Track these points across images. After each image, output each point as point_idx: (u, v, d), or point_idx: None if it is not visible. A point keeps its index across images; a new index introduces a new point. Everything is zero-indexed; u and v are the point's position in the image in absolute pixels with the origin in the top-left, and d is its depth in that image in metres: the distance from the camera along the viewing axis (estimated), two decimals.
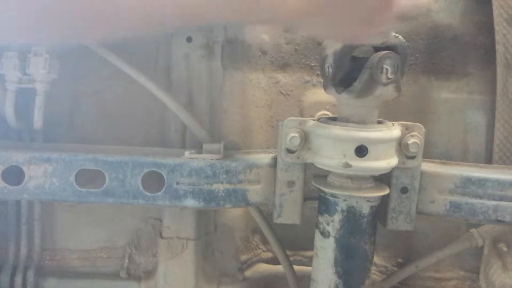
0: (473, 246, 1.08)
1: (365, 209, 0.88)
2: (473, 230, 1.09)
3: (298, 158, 0.91)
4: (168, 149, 1.11)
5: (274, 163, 0.97)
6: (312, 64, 1.16)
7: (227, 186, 0.97)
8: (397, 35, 0.82)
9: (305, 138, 0.90)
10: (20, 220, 1.19)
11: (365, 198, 0.87)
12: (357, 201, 0.87)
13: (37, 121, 1.07)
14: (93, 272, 1.22)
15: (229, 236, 1.23)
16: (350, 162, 0.82)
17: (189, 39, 1.11)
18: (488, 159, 1.12)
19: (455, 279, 1.21)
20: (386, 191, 0.90)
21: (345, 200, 0.87)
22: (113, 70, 1.08)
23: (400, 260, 1.24)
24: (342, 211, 0.88)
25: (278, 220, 0.98)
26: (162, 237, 1.19)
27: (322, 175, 0.94)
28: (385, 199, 0.96)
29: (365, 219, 0.88)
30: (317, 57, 1.14)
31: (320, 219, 0.92)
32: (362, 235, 0.89)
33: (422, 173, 0.96)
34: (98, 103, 1.16)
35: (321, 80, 0.95)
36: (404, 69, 0.85)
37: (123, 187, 0.97)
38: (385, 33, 0.78)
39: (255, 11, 0.62)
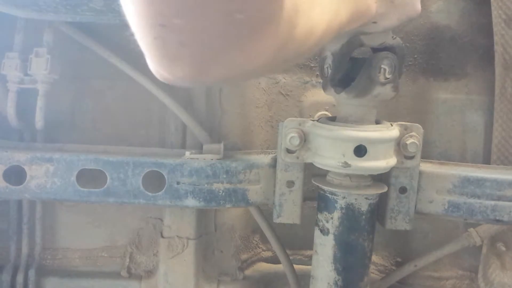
0: (472, 245, 1.09)
1: (364, 206, 0.89)
2: (471, 229, 1.10)
3: (297, 158, 0.92)
4: (169, 149, 1.12)
5: (274, 163, 0.98)
6: (312, 65, 1.16)
7: (227, 186, 0.98)
8: (394, 36, 0.83)
9: (305, 138, 0.91)
10: (21, 219, 1.20)
11: (363, 196, 0.88)
12: (355, 199, 0.88)
13: (39, 121, 1.07)
14: (94, 271, 1.23)
15: (229, 236, 1.24)
16: (349, 162, 0.83)
17: None
18: (487, 159, 1.12)
19: (454, 278, 1.21)
20: (385, 189, 0.91)
21: (344, 197, 0.88)
22: (114, 70, 1.09)
23: (399, 259, 1.24)
24: (341, 208, 0.89)
25: (278, 220, 0.99)
26: (162, 237, 1.20)
27: (322, 175, 0.94)
28: (383, 199, 0.96)
29: (363, 217, 0.89)
30: (316, 58, 1.15)
31: (320, 216, 0.92)
32: (360, 232, 0.90)
33: (421, 173, 0.96)
34: (99, 103, 1.17)
35: (321, 80, 0.96)
36: (402, 69, 0.85)
37: (124, 186, 0.98)
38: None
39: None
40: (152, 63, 0.44)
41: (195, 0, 0.36)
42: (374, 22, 0.76)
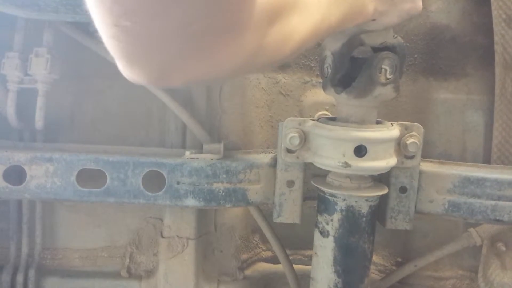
0: (472, 245, 1.09)
1: (364, 208, 0.88)
2: (471, 229, 1.10)
3: (297, 158, 0.92)
4: (169, 149, 1.12)
5: (274, 163, 0.98)
6: (312, 65, 1.16)
7: (227, 185, 0.98)
8: (395, 35, 0.82)
9: (305, 138, 0.91)
10: (21, 219, 1.19)
11: (364, 198, 0.88)
12: (356, 201, 0.88)
13: (39, 121, 1.07)
14: (94, 271, 1.23)
15: (229, 236, 1.24)
16: (349, 162, 0.83)
17: None
18: (487, 159, 1.12)
19: (454, 278, 1.21)
20: (385, 191, 0.91)
21: (344, 199, 0.88)
22: (114, 70, 1.08)
23: (399, 259, 1.24)
24: (341, 210, 0.88)
25: (278, 220, 0.99)
26: (162, 237, 1.20)
27: (322, 175, 0.94)
28: (384, 199, 0.96)
29: (364, 219, 0.89)
30: (316, 57, 1.14)
31: (320, 218, 0.92)
32: (361, 234, 0.90)
33: (421, 173, 0.96)
34: (99, 103, 1.17)
35: (321, 80, 0.96)
36: (403, 69, 0.85)
37: (124, 186, 0.98)
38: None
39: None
40: (117, 62, 0.44)
41: (143, 5, 0.35)
42: (374, 20, 0.76)
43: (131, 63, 0.43)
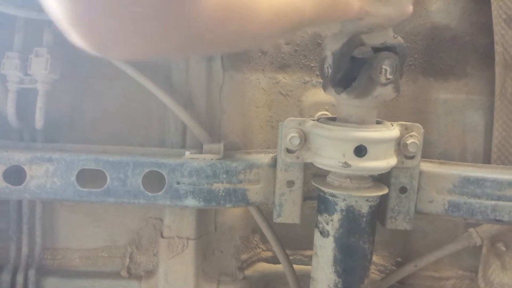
0: (472, 245, 1.09)
1: (364, 208, 0.88)
2: (471, 229, 1.10)
3: (297, 158, 0.92)
4: (169, 149, 1.12)
5: (274, 163, 0.98)
6: (312, 65, 1.16)
7: (227, 185, 0.98)
8: (396, 35, 0.82)
9: (305, 138, 0.91)
10: (21, 219, 1.20)
11: (364, 198, 0.88)
12: (356, 201, 0.88)
13: (39, 121, 1.07)
14: (94, 271, 1.23)
15: (229, 236, 1.24)
16: (349, 162, 0.83)
17: None
18: (487, 159, 1.12)
19: (454, 278, 1.22)
20: (385, 191, 0.91)
21: (344, 199, 0.88)
22: (114, 70, 1.08)
23: (399, 259, 1.24)
24: (341, 210, 0.88)
25: (278, 220, 0.99)
26: (162, 237, 1.20)
27: (322, 175, 0.94)
28: (384, 199, 0.96)
29: (364, 219, 0.89)
30: (316, 57, 1.14)
31: (320, 218, 0.92)
32: (361, 234, 0.90)
33: (421, 173, 0.96)
34: (99, 103, 1.17)
35: (321, 80, 0.96)
36: (403, 69, 0.85)
37: (124, 187, 0.98)
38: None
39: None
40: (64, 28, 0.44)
41: None
42: (361, 19, 0.76)
43: (75, 29, 0.43)
